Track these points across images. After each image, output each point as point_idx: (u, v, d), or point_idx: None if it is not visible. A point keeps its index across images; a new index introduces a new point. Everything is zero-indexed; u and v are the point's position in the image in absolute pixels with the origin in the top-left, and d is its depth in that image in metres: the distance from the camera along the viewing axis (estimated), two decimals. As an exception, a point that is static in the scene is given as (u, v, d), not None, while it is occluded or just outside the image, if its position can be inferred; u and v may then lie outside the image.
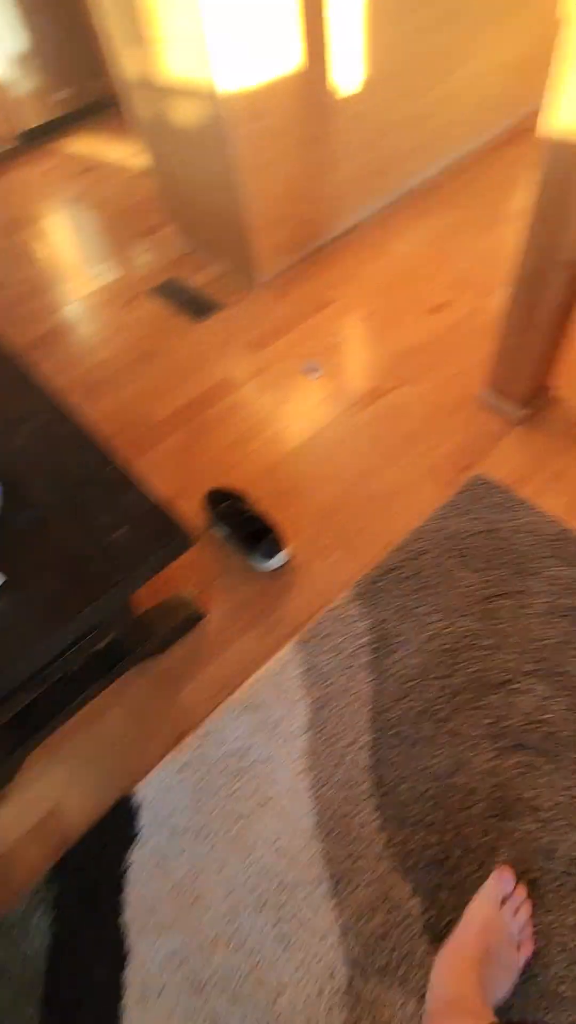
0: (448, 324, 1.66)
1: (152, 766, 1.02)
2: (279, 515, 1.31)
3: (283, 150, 1.63)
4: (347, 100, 1.69)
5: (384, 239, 1.94)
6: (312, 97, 1.60)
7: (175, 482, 1.41)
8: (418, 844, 0.88)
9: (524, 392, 1.34)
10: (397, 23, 1.66)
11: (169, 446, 1.49)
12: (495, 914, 0.80)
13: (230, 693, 1.07)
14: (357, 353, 1.63)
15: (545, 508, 1.24)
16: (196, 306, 1.85)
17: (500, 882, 0.83)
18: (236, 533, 1.22)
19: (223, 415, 1.54)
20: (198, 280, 1.94)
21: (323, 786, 0.94)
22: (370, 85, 1.71)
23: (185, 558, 1.26)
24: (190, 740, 1.02)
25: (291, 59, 1.47)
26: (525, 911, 0.82)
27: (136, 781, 1.01)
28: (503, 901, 0.81)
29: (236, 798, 0.95)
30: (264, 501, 1.34)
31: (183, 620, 1.14)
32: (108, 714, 1.09)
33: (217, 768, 0.98)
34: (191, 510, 1.34)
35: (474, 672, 1.02)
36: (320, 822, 0.91)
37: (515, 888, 0.83)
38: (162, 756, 1.02)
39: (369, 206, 2.01)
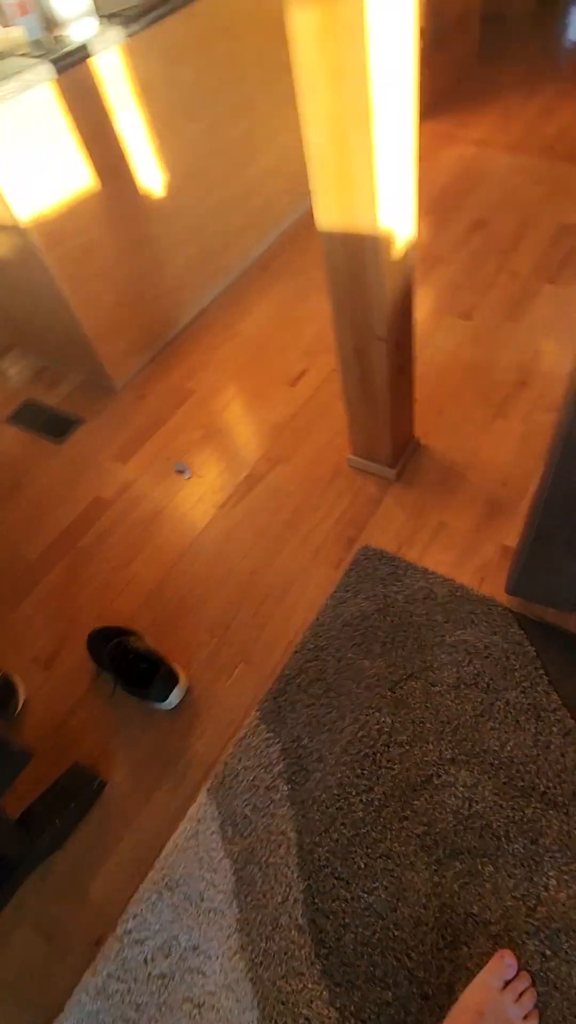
0: (308, 393, 1.66)
1: (70, 989, 0.87)
2: (172, 639, 1.23)
3: (105, 261, 1.62)
4: (161, 200, 1.71)
5: (232, 320, 1.96)
6: (122, 207, 1.60)
7: (57, 628, 1.30)
8: (373, 1007, 0.78)
9: (389, 452, 1.34)
10: (193, 121, 1.70)
11: (46, 588, 1.38)
12: (494, 997, 0.73)
13: (146, 872, 0.95)
14: (225, 442, 1.59)
15: (434, 566, 1.22)
16: (57, 425, 1.78)
17: (501, 965, 0.76)
18: (125, 677, 1.12)
19: (99, 540, 1.45)
20: (55, 397, 1.87)
21: (261, 965, 0.83)
22: (181, 181, 1.74)
23: (78, 719, 1.15)
24: (108, 946, 0.89)
25: (87, 177, 1.47)
26: (529, 998, 0.75)
27: (54, 1015, 0.86)
28: (505, 985, 0.75)
29: (167, 1008, 0.82)
30: (154, 627, 1.25)
31: (82, 798, 1.02)
32: (12, 937, 0.94)
33: (142, 975, 0.85)
34: (78, 658, 1.23)
35: (395, 775, 0.95)
36: (264, 1013, 0.80)
37: (518, 973, 0.77)
38: (80, 974, 0.88)
39: (210, 291, 2.03)
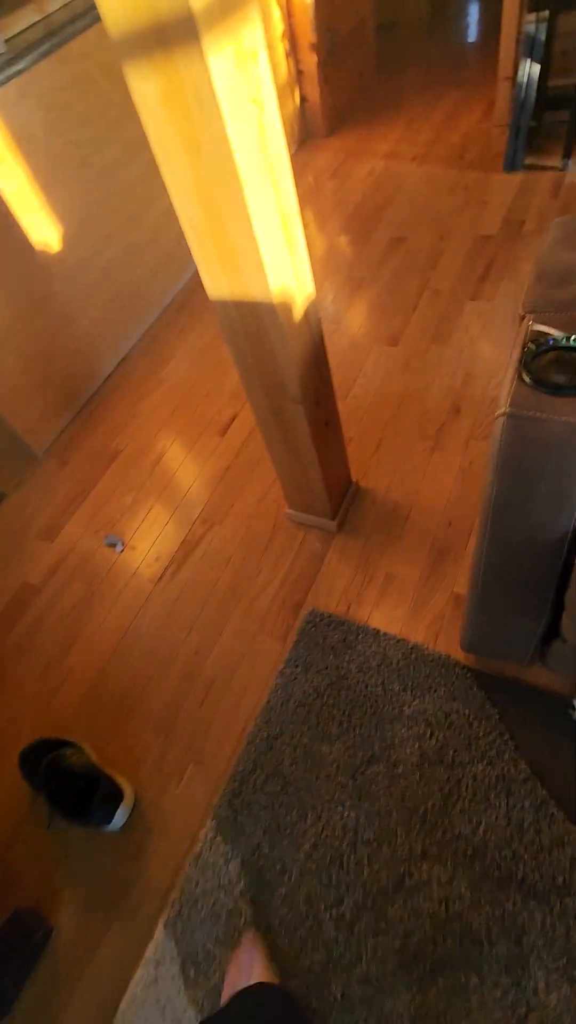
0: (239, 441, 1.58)
1: None
2: (115, 743, 1.12)
3: (3, 327, 1.50)
4: (59, 254, 1.60)
5: (155, 366, 1.86)
6: (15, 268, 1.49)
7: (-12, 745, 1.18)
8: None
9: (327, 503, 1.27)
10: (83, 167, 1.60)
11: (-27, 698, 1.26)
12: None
13: (104, 1032, 0.85)
14: (157, 505, 1.49)
15: (386, 626, 1.15)
16: (-25, 505, 1.64)
17: None
18: (62, 801, 1.01)
19: (30, 633, 1.33)
20: (-28, 472, 1.74)
21: None
22: (79, 230, 1.64)
23: (15, 854, 1.02)
24: None
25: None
26: None
27: None
28: None
29: None
30: (95, 731, 1.15)
31: (26, 954, 0.91)
32: None
33: None
34: (12, 781, 1.11)
35: (365, 880, 0.87)
36: None
37: None
38: None
39: (127, 340, 1.93)
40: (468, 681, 1.03)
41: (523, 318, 0.83)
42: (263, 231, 0.75)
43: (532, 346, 0.76)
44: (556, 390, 0.70)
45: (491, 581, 0.86)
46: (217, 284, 0.84)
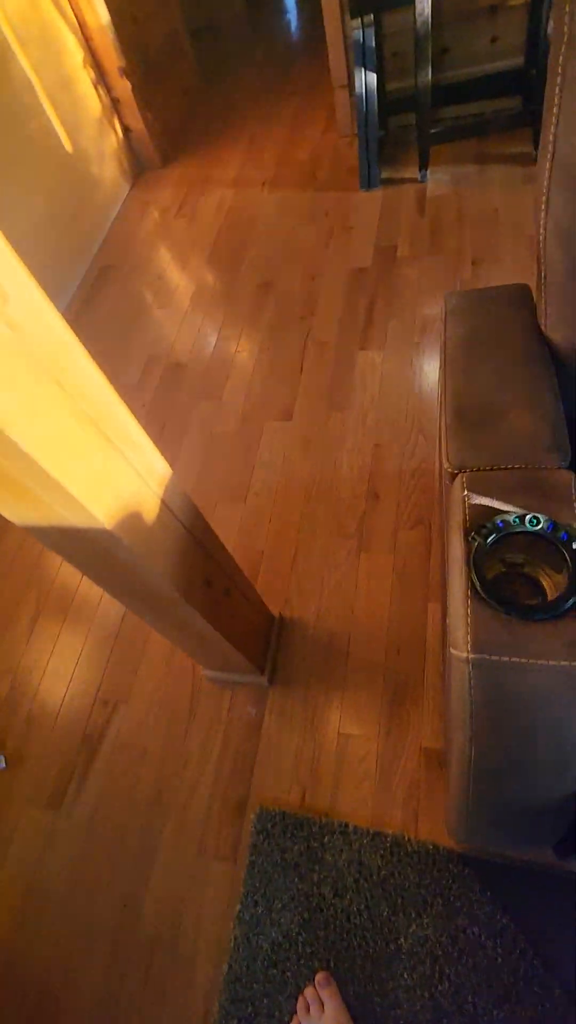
0: (131, 578, 1.29)
1: None
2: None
3: None
4: None
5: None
6: None
7: None
8: None
9: (245, 660, 1.02)
10: None
11: None
12: None
13: None
14: (43, 692, 1.19)
15: (353, 815, 0.93)
16: None
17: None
18: None
19: None
20: None
21: None
22: None
23: None
24: None
25: None
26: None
27: None
28: None
29: None
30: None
31: None
32: None
33: None
34: None
35: None
36: None
37: None
38: None
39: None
40: (467, 881, 0.83)
41: (454, 477, 0.63)
42: (61, 464, 0.49)
43: (479, 539, 0.55)
44: (528, 613, 0.50)
45: (483, 822, 0.66)
46: (20, 515, 0.57)
